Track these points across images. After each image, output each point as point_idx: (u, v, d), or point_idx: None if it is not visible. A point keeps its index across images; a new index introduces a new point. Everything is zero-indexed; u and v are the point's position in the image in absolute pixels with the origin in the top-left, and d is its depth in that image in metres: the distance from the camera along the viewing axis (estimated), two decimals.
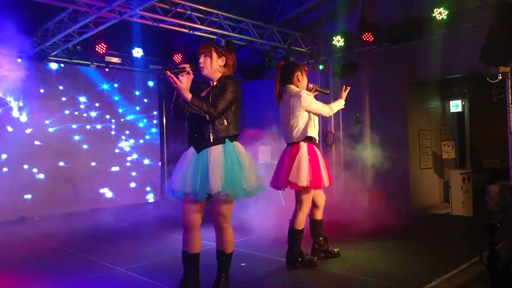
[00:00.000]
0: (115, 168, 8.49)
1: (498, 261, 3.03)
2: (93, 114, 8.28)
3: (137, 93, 8.92)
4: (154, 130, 9.23)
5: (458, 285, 3.43)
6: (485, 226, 3.04)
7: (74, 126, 8.03)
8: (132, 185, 8.77)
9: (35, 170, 7.45)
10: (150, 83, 9.13)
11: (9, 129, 7.25)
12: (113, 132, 8.56)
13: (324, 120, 8.42)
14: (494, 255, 3.03)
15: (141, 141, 8.99)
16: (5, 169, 7.11)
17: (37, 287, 3.70)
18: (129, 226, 6.43)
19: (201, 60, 3.12)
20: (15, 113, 7.31)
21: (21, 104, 7.38)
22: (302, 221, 3.93)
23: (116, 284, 3.71)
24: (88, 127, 8.21)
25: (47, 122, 7.69)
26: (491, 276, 3.02)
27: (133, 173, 8.79)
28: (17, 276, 4.02)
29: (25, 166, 7.36)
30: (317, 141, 4.03)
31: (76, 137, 8.02)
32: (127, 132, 8.76)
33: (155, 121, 9.27)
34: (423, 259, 4.16)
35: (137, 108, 8.93)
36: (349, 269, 3.88)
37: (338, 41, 7.48)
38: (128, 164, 8.71)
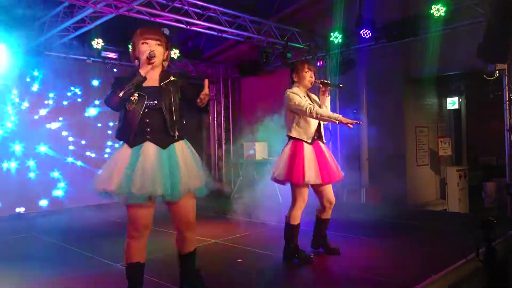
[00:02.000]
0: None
1: (495, 257, 3.05)
2: (90, 109, 8.25)
3: None
4: None
5: (454, 281, 3.43)
6: (482, 222, 3.05)
7: (70, 121, 8.00)
8: None
9: (29, 164, 7.41)
10: None
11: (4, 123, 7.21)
12: (107, 128, 8.52)
13: None
14: (491, 251, 3.04)
15: None
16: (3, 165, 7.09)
17: (34, 283, 3.68)
18: (126, 223, 6.41)
19: (154, 48, 2.73)
20: (10, 107, 7.27)
21: (16, 99, 7.35)
22: (296, 216, 3.92)
23: (114, 280, 3.69)
24: (84, 121, 8.17)
25: (41, 116, 7.65)
26: (488, 272, 3.04)
27: None
28: (14, 272, 4.00)
29: (20, 161, 7.32)
30: (308, 139, 3.93)
31: (72, 132, 7.98)
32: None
33: None
34: (420, 256, 4.17)
35: None
36: (345, 265, 3.88)
37: (336, 37, 7.47)
38: None
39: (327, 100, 4.09)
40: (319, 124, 4.00)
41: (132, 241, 2.80)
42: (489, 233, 3.04)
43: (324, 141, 4.10)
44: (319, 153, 3.94)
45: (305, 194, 3.93)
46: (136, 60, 2.82)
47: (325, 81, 4.14)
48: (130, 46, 2.84)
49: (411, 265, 3.87)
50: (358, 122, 3.86)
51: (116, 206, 7.82)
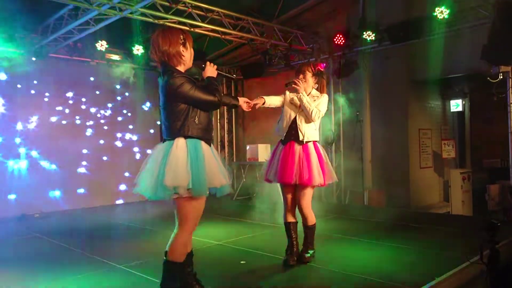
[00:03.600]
0: (114, 166, 8.47)
1: (498, 260, 3.03)
2: (95, 110, 8.28)
3: (138, 89, 8.88)
4: (155, 127, 9.23)
5: (458, 284, 3.42)
6: (486, 225, 3.04)
7: (77, 122, 8.03)
8: (131, 183, 8.70)
9: (35, 166, 7.44)
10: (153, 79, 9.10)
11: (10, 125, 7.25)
12: (113, 129, 8.54)
13: (323, 118, 8.44)
14: (495, 254, 3.03)
15: (142, 139, 8.96)
16: (5, 166, 7.12)
17: (37, 284, 3.69)
18: (129, 224, 6.43)
19: None
20: (15, 109, 7.30)
21: (21, 100, 7.39)
22: (283, 215, 4.06)
23: (117, 282, 3.70)
24: (90, 122, 8.21)
25: (50, 118, 7.69)
26: (491, 275, 3.02)
27: (132, 171, 8.76)
28: (17, 273, 4.01)
29: (24, 163, 7.36)
30: (281, 136, 4.01)
31: (78, 134, 8.01)
32: (130, 127, 8.76)
33: (156, 119, 9.28)
34: (423, 258, 4.16)
35: (140, 104, 8.92)
36: (349, 267, 3.88)
37: (339, 39, 7.47)
38: (128, 162, 8.68)
39: (301, 101, 3.87)
40: (295, 124, 3.92)
41: (191, 236, 2.86)
42: (493, 235, 3.02)
43: (306, 141, 3.89)
44: (286, 153, 3.90)
45: (284, 193, 4.02)
46: (183, 57, 2.85)
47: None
48: (181, 40, 2.83)
49: (414, 268, 3.86)
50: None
51: (118, 207, 7.89)
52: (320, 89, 4.07)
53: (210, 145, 2.85)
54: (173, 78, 2.70)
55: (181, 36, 2.85)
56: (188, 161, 2.65)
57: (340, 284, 3.55)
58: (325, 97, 3.98)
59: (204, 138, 2.80)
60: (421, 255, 4.29)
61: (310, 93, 4.00)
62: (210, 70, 2.99)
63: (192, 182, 2.62)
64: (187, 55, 2.88)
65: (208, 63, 3.02)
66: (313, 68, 4.04)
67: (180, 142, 2.71)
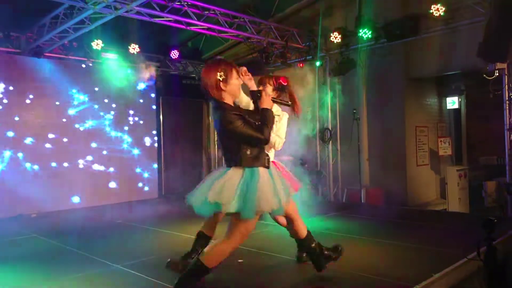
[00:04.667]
0: (112, 166, 8.45)
1: (495, 257, 3.05)
2: (89, 111, 8.24)
3: (133, 90, 8.85)
4: (152, 127, 9.21)
5: (455, 281, 3.44)
6: (483, 222, 3.05)
7: (69, 123, 7.99)
8: (129, 182, 8.72)
9: (30, 166, 7.41)
10: (147, 80, 9.08)
11: (4, 125, 7.21)
12: (108, 129, 8.51)
13: (321, 116, 8.46)
14: (491, 251, 3.04)
15: (139, 138, 8.95)
16: (1, 166, 7.09)
17: (34, 284, 3.68)
18: (127, 223, 6.41)
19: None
20: (10, 109, 7.27)
21: (16, 100, 7.35)
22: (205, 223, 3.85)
23: (113, 281, 3.69)
24: (84, 124, 8.16)
25: (41, 118, 7.66)
26: (488, 272, 3.04)
27: (130, 171, 8.75)
28: (14, 273, 3.99)
29: (21, 163, 7.32)
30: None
31: (72, 134, 7.98)
32: (125, 128, 8.73)
33: (152, 119, 9.25)
34: (420, 255, 4.17)
35: (134, 105, 8.89)
36: (346, 265, 3.88)
37: (336, 37, 7.47)
38: (124, 161, 8.68)
39: None
40: None
41: (231, 250, 2.96)
42: (489, 232, 3.03)
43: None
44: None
45: None
46: (223, 92, 2.87)
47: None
48: (220, 75, 2.85)
49: (412, 265, 3.87)
50: None
51: (115, 207, 7.86)
52: (292, 101, 3.62)
53: (268, 167, 2.92)
54: (224, 115, 2.78)
55: (220, 73, 2.85)
56: (239, 185, 2.77)
57: (337, 281, 3.56)
58: (284, 118, 3.70)
59: (257, 166, 2.87)
60: (418, 252, 4.30)
61: None
62: (266, 101, 2.97)
63: (238, 206, 2.75)
64: (229, 88, 2.87)
65: (263, 93, 3.01)
66: (274, 82, 3.71)
67: (238, 168, 2.85)
